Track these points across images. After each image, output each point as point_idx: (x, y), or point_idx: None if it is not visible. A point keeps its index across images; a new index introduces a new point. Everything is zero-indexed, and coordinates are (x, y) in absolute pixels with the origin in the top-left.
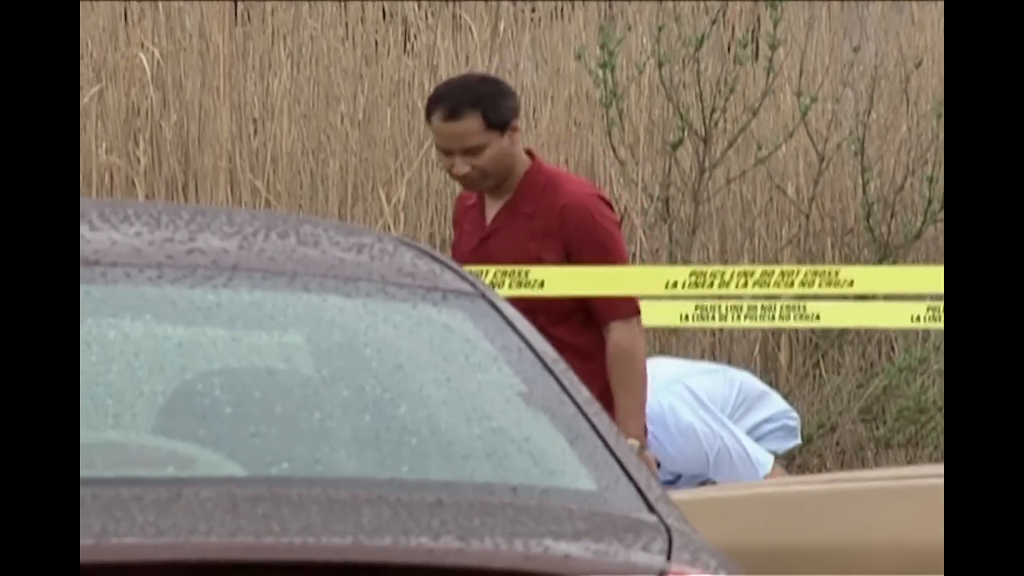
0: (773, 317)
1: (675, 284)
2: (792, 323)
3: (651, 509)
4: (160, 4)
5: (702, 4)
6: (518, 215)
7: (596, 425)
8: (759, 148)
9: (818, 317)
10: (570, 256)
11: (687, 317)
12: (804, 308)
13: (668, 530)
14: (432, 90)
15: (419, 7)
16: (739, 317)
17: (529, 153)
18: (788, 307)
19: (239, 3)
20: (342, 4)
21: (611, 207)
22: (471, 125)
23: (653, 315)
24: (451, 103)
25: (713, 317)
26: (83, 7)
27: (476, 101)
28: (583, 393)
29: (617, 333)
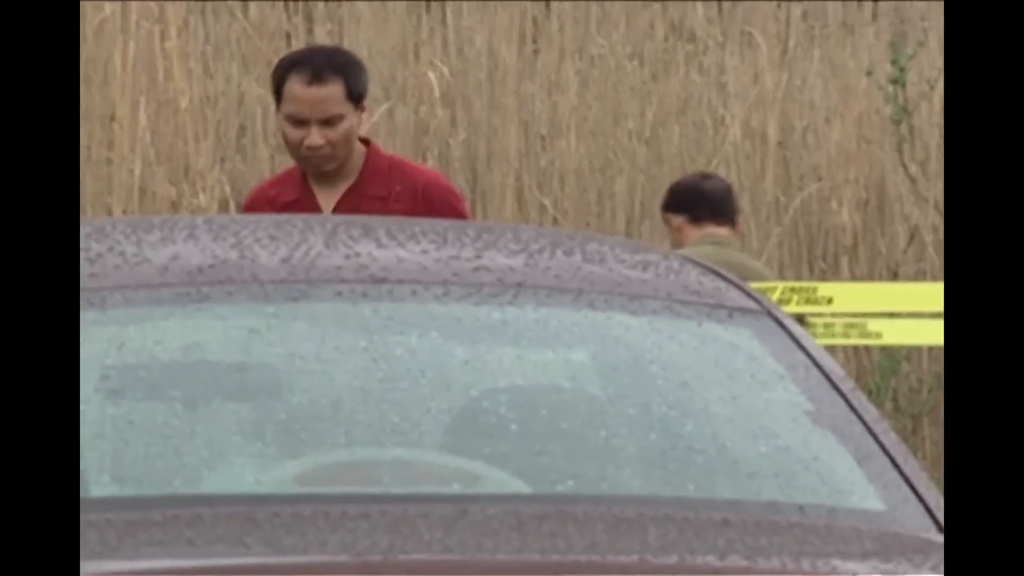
0: None
1: None
2: None
3: (941, 530)
4: (450, 23)
5: None
6: (367, 198)
7: (884, 444)
8: None
9: None
10: None
11: None
12: None
13: None
14: (285, 56)
15: (708, 24)
16: None
17: (364, 140)
18: None
19: (529, 21)
20: (630, 22)
21: None
22: (334, 92)
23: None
24: (314, 67)
25: None
26: (374, 26)
27: (340, 68)
28: (871, 411)
29: None
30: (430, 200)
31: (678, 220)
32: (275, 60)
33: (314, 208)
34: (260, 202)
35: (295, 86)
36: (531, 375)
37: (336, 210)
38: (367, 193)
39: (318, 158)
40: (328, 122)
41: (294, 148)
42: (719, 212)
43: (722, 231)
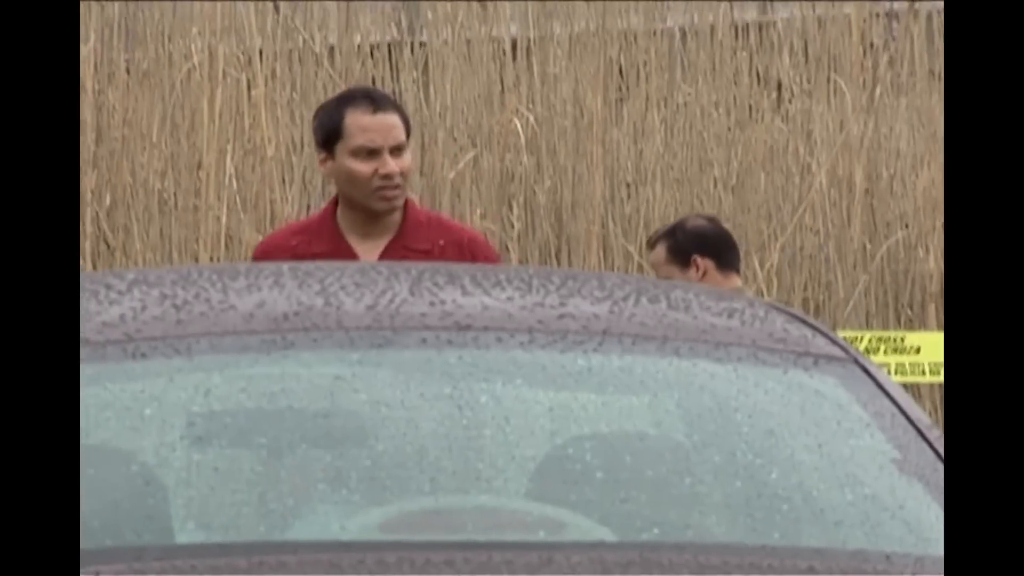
0: None
1: None
2: None
3: None
4: (535, 70)
5: None
6: (412, 252)
7: None
8: None
9: None
10: None
11: None
12: None
13: None
14: (326, 101)
15: (794, 71)
16: None
17: None
18: None
19: (614, 69)
20: (716, 69)
21: None
22: (397, 120)
23: None
24: (372, 98)
25: None
26: (460, 73)
27: (392, 102)
28: None
29: None
30: (474, 255)
31: (706, 263)
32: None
33: (352, 259)
34: (282, 253)
35: (361, 117)
36: (616, 422)
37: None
38: (411, 246)
39: (391, 190)
40: (398, 149)
41: (365, 182)
42: (738, 262)
43: (739, 283)
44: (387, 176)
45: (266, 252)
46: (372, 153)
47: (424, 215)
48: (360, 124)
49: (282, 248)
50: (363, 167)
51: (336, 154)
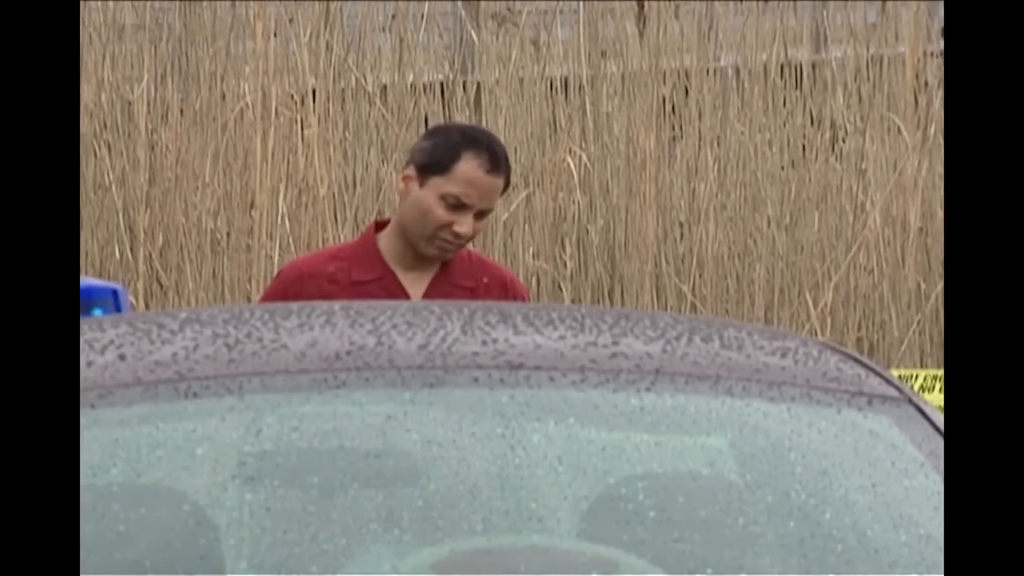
0: None
1: None
2: None
3: None
4: (588, 109)
5: None
6: (457, 288)
7: None
8: None
9: None
10: None
11: None
12: None
13: None
14: (454, 128)
15: (848, 110)
16: None
17: None
18: None
19: (667, 107)
20: (770, 109)
21: None
22: (500, 186)
23: None
24: (494, 154)
25: None
26: (513, 112)
27: (507, 163)
28: None
29: None
30: (516, 296)
31: None
32: (413, 146)
33: (399, 292)
34: (318, 279)
35: (473, 169)
36: (669, 462)
37: (427, 296)
38: (456, 283)
39: (450, 245)
40: (483, 214)
41: (433, 228)
42: None
43: None
44: (457, 234)
45: (300, 276)
46: (459, 206)
47: (465, 252)
48: (469, 176)
49: (318, 274)
50: (442, 213)
51: (426, 184)
